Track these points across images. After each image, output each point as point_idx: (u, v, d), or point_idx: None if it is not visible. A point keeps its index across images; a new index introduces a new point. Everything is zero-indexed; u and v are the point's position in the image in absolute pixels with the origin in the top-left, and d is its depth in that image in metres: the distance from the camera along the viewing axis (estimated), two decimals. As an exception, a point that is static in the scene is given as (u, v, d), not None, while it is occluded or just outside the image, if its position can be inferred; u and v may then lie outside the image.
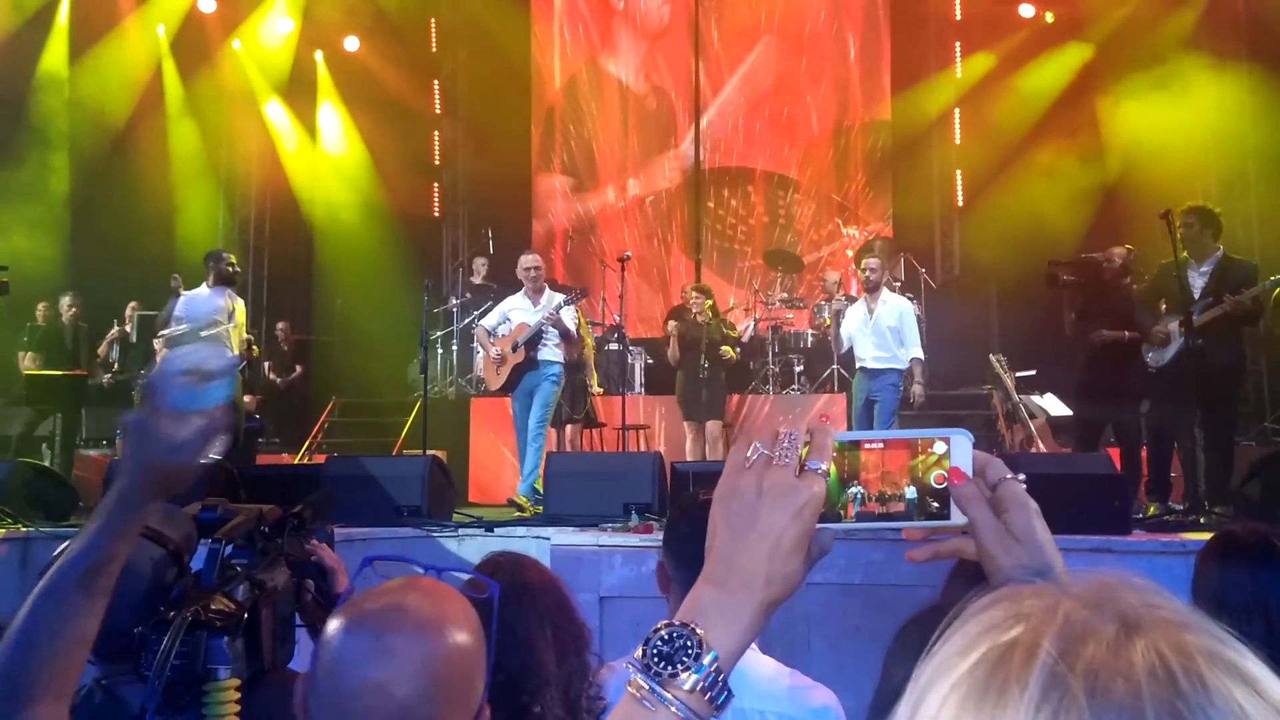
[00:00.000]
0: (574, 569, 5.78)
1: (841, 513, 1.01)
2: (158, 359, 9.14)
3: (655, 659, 0.92)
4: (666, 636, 0.93)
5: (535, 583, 2.36)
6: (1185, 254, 7.38)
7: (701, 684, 0.91)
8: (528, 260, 9.03)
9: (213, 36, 14.21)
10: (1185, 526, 6.39)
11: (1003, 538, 0.99)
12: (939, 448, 1.02)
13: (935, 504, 1.01)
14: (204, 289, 9.19)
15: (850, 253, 13.84)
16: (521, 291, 8.94)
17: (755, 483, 0.97)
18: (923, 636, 1.65)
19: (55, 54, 13.03)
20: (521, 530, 6.31)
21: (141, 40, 13.69)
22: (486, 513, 7.39)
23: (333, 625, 1.37)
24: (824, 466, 0.98)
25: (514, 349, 8.64)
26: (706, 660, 0.92)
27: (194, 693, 1.61)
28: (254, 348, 9.77)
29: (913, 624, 1.71)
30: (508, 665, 2.05)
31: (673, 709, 0.90)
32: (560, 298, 8.86)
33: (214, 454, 1.53)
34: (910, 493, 1.02)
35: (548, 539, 6.06)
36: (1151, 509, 7.23)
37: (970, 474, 1.01)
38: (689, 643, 0.92)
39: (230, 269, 9.30)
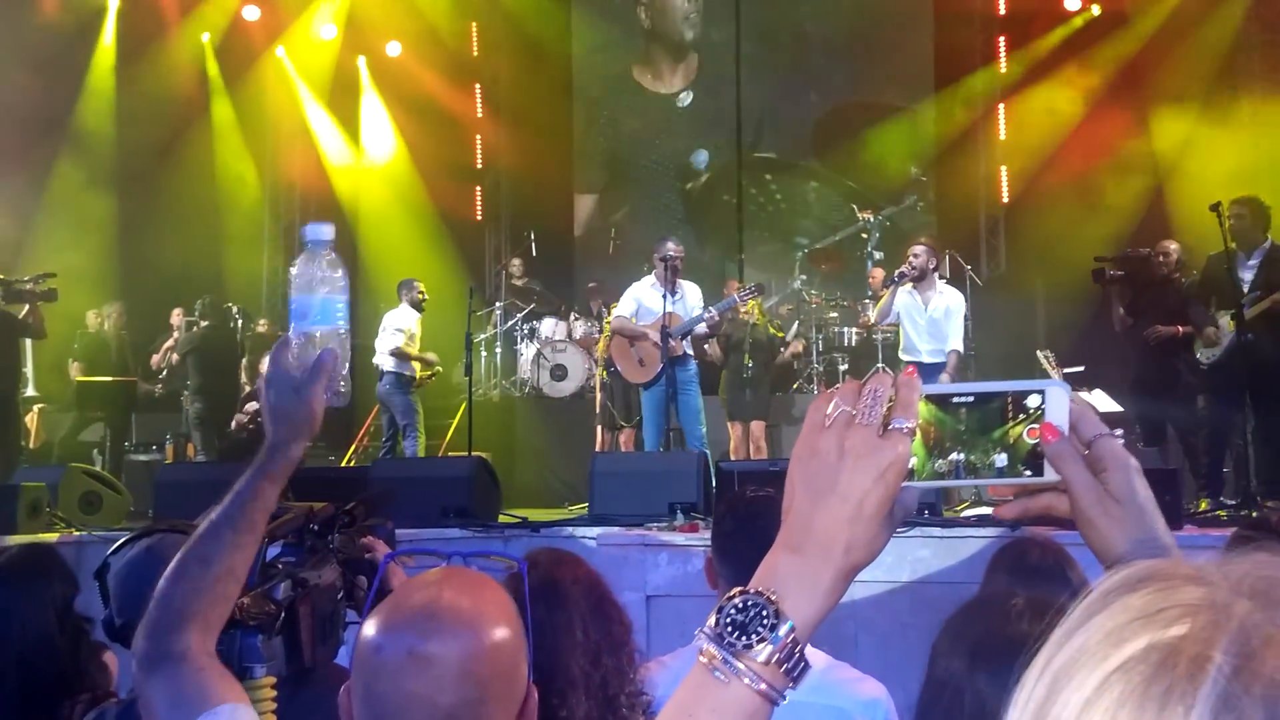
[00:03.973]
0: (620, 568, 5.77)
1: (926, 471, 0.95)
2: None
3: (729, 628, 0.87)
4: (741, 605, 0.88)
5: (569, 579, 2.34)
6: (1234, 245, 7.27)
7: (778, 655, 0.86)
8: (671, 248, 8.55)
9: (257, 44, 14.35)
10: (1237, 521, 6.30)
11: (1101, 499, 0.93)
12: (1033, 401, 0.95)
13: (1026, 460, 0.94)
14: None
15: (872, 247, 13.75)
16: (649, 280, 8.64)
17: (836, 443, 0.91)
18: (971, 628, 1.64)
19: (102, 65, 13.21)
20: (567, 530, 6.32)
21: (187, 49, 13.85)
22: (531, 514, 7.40)
23: (368, 631, 1.35)
24: (910, 425, 0.91)
25: (679, 338, 8.35)
26: (783, 630, 0.86)
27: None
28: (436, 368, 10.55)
29: (960, 615, 1.69)
30: (534, 666, 2.04)
31: (746, 680, 0.85)
32: (744, 289, 8.98)
33: (337, 403, 1.67)
34: (1000, 450, 0.95)
35: (593, 539, 6.06)
36: (1204, 504, 7.15)
37: (1065, 430, 0.94)
38: (764, 611, 0.87)
39: (420, 296, 10.21)
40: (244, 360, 11.56)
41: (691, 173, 15.34)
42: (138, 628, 1.56)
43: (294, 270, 1.68)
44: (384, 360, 9.99)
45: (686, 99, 15.47)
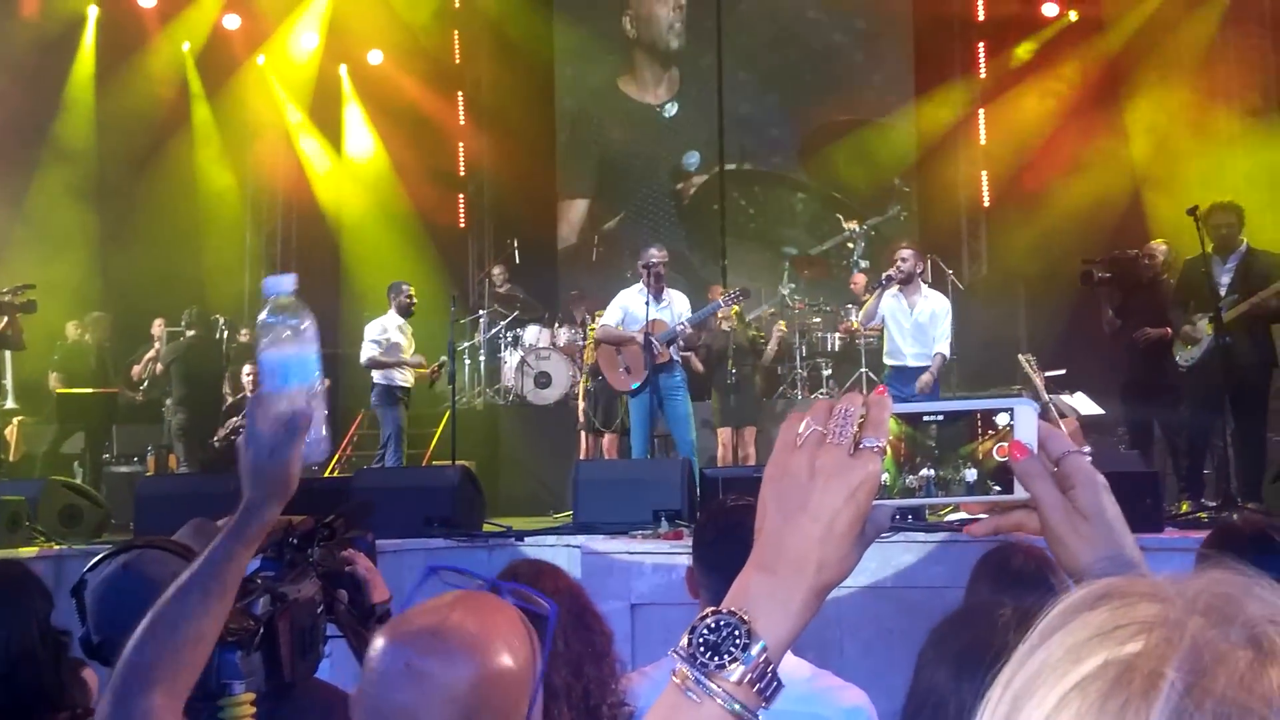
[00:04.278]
0: (604, 576, 5.77)
1: (897, 489, 0.95)
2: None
3: (701, 648, 0.87)
4: (713, 625, 0.88)
5: (550, 590, 2.34)
6: (1210, 249, 7.30)
7: (750, 675, 0.86)
8: (656, 255, 8.56)
9: (238, 53, 14.30)
10: (1218, 524, 6.33)
11: (1069, 516, 0.94)
12: (1002, 419, 0.95)
13: (996, 478, 0.95)
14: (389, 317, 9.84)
15: (858, 256, 13.79)
16: (637, 287, 8.54)
17: (807, 462, 0.91)
18: (957, 638, 1.64)
19: (82, 74, 13.16)
20: (552, 539, 6.32)
21: (167, 58, 13.80)
22: (516, 522, 7.39)
23: (376, 643, 1.37)
24: (880, 443, 0.91)
25: (668, 345, 8.35)
26: (755, 650, 0.87)
27: (209, 707, 1.62)
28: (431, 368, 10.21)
29: (946, 625, 1.69)
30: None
31: (719, 701, 0.85)
32: (728, 294, 8.94)
33: (314, 459, 1.63)
34: (970, 466, 0.95)
35: (578, 547, 6.05)
36: (1184, 506, 7.18)
37: (1034, 448, 0.94)
38: (737, 632, 0.87)
39: (407, 299, 9.92)
40: (227, 371, 11.52)
41: (682, 173, 15.37)
42: (105, 689, 1.54)
43: (259, 326, 1.64)
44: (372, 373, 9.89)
45: (672, 110, 15.49)
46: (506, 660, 1.35)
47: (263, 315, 1.65)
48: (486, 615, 1.39)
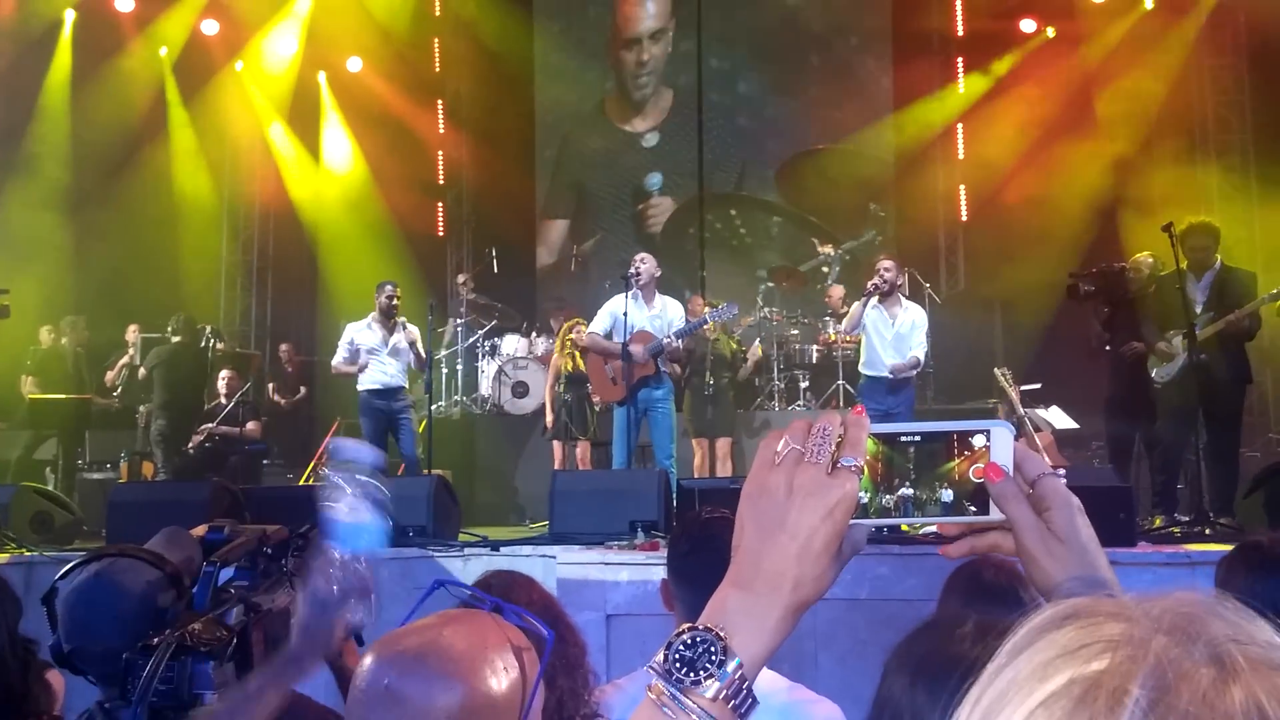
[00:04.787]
0: (580, 587, 5.76)
1: (874, 508, 0.96)
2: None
3: (677, 664, 0.87)
4: (689, 641, 0.88)
5: (523, 602, 2.33)
6: (1185, 266, 7.35)
7: (725, 692, 0.86)
8: (639, 261, 8.47)
9: (216, 58, 14.24)
10: (1190, 538, 6.39)
11: (1044, 538, 0.95)
12: (978, 441, 0.97)
13: (972, 499, 0.96)
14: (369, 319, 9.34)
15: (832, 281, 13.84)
16: (629, 294, 8.31)
17: (785, 480, 0.92)
18: (917, 648, 1.65)
19: (58, 77, 13.08)
20: (527, 549, 6.30)
21: (144, 63, 13.72)
22: (492, 532, 7.38)
23: (365, 660, 1.35)
24: (858, 463, 0.92)
25: (654, 357, 8.26)
26: (730, 667, 0.87)
27: (181, 718, 1.61)
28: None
29: (910, 637, 1.70)
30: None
31: (694, 717, 0.86)
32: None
33: (360, 627, 1.69)
34: (946, 487, 0.97)
35: (554, 557, 6.04)
36: (1157, 521, 7.23)
37: (1010, 470, 0.96)
38: (713, 648, 0.88)
39: (386, 299, 9.33)
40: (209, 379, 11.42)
41: (643, 194, 15.38)
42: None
43: (328, 480, 1.68)
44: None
45: (653, 140, 15.50)
46: (491, 686, 1.33)
47: (335, 474, 1.68)
48: (476, 638, 1.37)
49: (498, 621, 1.46)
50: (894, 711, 1.58)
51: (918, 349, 8.51)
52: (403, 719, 1.29)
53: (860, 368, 8.76)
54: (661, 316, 8.46)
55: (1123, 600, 0.62)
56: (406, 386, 9.52)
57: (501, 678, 1.35)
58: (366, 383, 9.34)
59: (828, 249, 13.68)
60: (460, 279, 13.35)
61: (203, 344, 11.48)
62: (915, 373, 8.68)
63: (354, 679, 1.35)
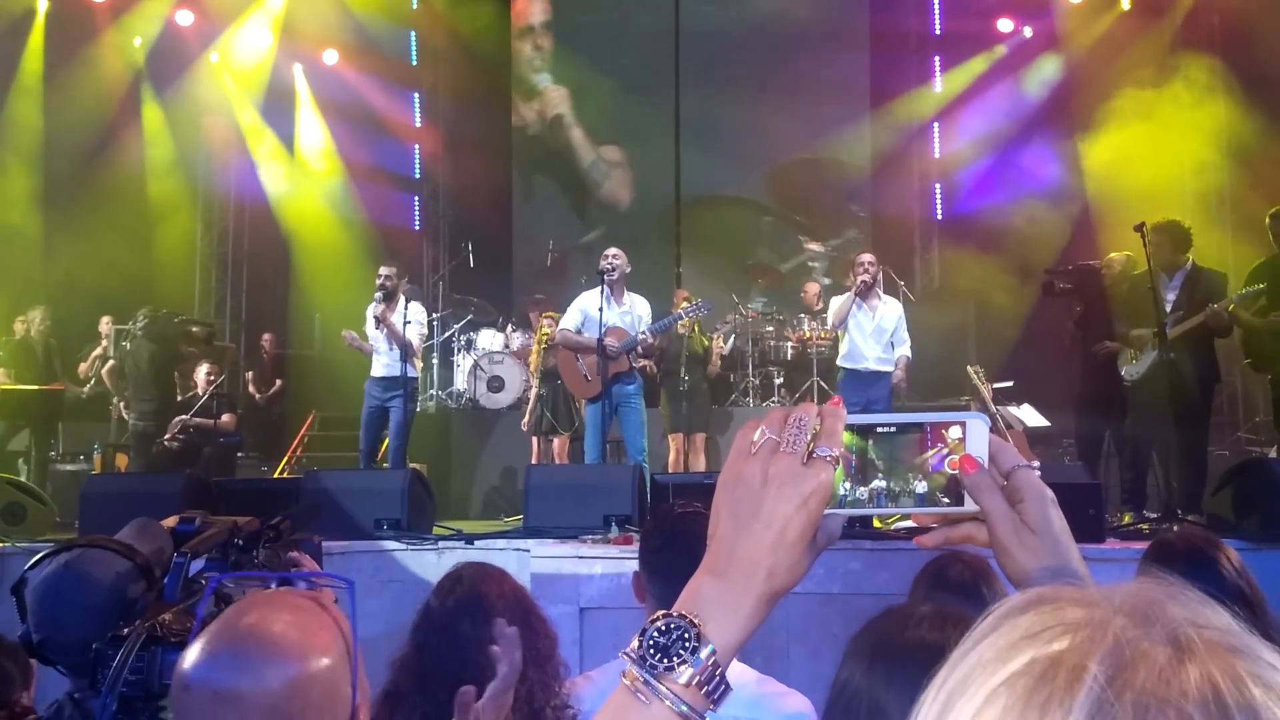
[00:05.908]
0: (554, 581, 5.78)
1: (849, 499, 0.97)
2: None
3: (651, 650, 0.89)
4: (663, 628, 0.90)
5: (494, 594, 2.34)
6: (1155, 266, 7.41)
7: (698, 678, 0.88)
8: (610, 256, 8.40)
9: (190, 49, 14.12)
10: (1159, 535, 6.43)
11: (1017, 529, 0.96)
12: (954, 432, 0.97)
13: (946, 491, 0.97)
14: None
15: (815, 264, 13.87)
16: (598, 289, 8.28)
17: (760, 469, 0.93)
18: (881, 635, 1.68)
19: (30, 67, 12.97)
20: (501, 543, 6.31)
21: (118, 53, 13.61)
22: (466, 525, 7.37)
23: (181, 665, 1.33)
24: (833, 453, 0.93)
25: (627, 353, 8.22)
26: (704, 653, 0.88)
27: (151, 709, 1.61)
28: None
29: (871, 624, 1.73)
30: (458, 680, 2.03)
31: (667, 703, 0.87)
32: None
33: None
34: (921, 478, 0.97)
35: (528, 551, 6.05)
36: (1126, 517, 7.29)
37: (985, 462, 0.97)
38: (686, 635, 0.89)
39: (380, 281, 9.01)
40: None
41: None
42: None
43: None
44: None
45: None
46: (319, 656, 1.33)
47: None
48: (288, 614, 1.35)
49: (295, 594, 1.46)
50: (853, 692, 1.60)
51: (902, 347, 8.63)
52: (244, 714, 1.27)
53: (839, 361, 8.81)
54: (631, 313, 8.46)
55: (1086, 588, 0.64)
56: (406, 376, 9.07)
57: (325, 645, 1.34)
58: (373, 371, 9.18)
59: (815, 245, 13.72)
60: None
61: (172, 334, 11.35)
62: (903, 372, 8.73)
63: (175, 690, 1.32)
